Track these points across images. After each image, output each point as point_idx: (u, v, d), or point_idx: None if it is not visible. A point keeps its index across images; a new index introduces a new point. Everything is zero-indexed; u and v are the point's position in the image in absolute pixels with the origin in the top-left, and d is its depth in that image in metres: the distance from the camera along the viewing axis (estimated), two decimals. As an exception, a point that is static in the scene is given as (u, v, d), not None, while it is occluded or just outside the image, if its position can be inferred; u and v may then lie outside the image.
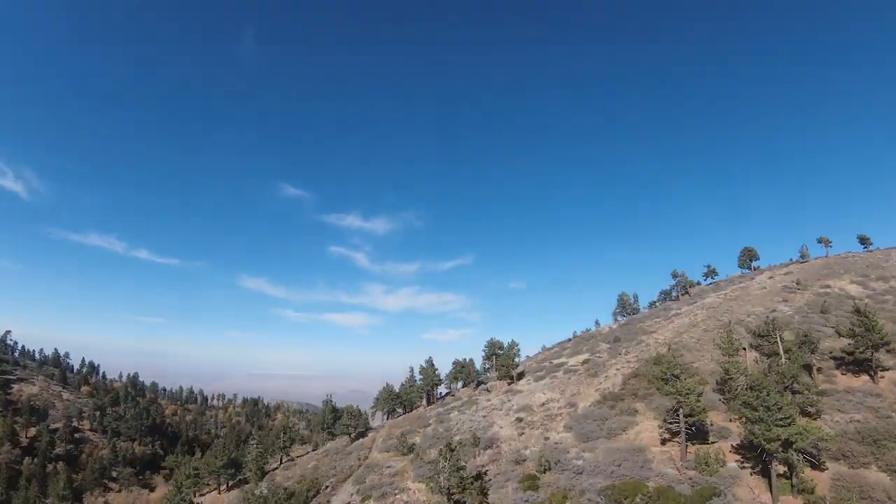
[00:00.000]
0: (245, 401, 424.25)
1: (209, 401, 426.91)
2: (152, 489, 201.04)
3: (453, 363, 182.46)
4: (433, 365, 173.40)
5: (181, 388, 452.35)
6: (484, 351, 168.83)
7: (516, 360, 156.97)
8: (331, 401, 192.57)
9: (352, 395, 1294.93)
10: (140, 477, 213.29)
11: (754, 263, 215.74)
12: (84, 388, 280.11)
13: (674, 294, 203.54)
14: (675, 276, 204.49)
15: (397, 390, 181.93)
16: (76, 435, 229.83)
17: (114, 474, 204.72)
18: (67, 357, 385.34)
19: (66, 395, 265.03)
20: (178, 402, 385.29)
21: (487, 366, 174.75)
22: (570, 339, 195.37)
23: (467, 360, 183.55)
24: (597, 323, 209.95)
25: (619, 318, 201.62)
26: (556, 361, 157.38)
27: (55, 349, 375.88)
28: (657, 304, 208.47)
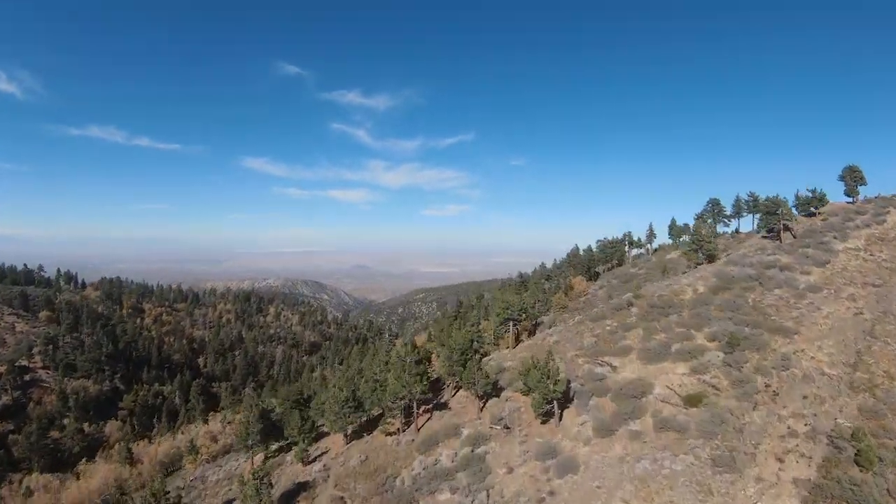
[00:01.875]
0: (236, 296, 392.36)
1: (200, 297, 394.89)
2: (100, 445, 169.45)
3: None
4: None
5: (170, 286, 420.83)
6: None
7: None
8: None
9: (356, 271, 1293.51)
10: (93, 424, 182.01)
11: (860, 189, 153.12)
12: (43, 314, 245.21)
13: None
14: (753, 200, 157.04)
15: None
16: (26, 377, 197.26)
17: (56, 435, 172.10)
18: (41, 270, 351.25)
19: (20, 327, 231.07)
20: (165, 303, 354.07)
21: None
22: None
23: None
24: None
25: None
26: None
27: (24, 264, 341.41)
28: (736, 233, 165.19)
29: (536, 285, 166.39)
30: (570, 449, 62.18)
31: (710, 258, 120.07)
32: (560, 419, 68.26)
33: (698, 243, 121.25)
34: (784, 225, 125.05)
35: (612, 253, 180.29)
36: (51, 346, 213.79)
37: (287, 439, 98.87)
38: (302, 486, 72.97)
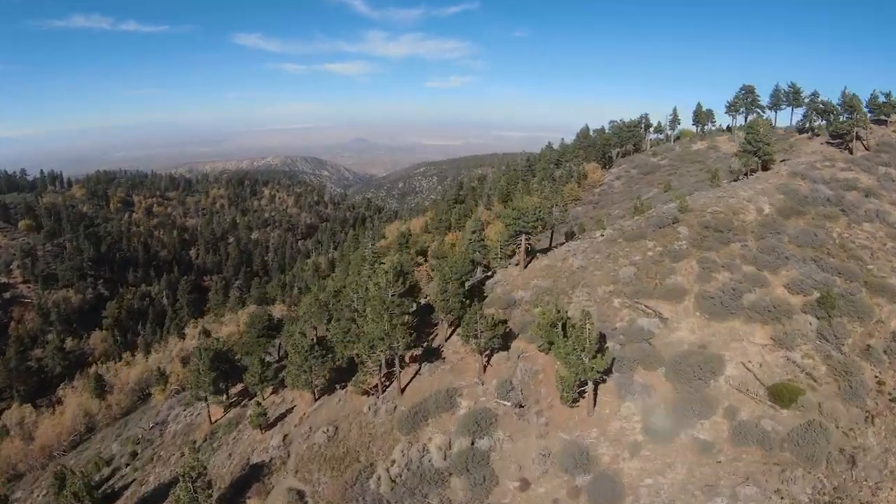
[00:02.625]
0: (229, 181, 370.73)
1: (193, 183, 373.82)
2: (84, 362, 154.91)
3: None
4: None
5: (161, 174, 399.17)
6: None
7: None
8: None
9: (356, 145, 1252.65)
10: (77, 339, 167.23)
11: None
12: (23, 224, 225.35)
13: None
14: (794, 92, 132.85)
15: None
16: (6, 294, 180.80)
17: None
18: (24, 174, 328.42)
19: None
20: (157, 194, 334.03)
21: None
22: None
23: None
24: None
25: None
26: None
27: (4, 171, 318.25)
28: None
29: (545, 171, 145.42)
30: (611, 460, 42.55)
31: (765, 164, 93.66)
32: (595, 404, 47.89)
33: (755, 144, 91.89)
34: (857, 133, 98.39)
35: (627, 136, 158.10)
36: (29, 258, 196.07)
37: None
38: (255, 472, 55.46)
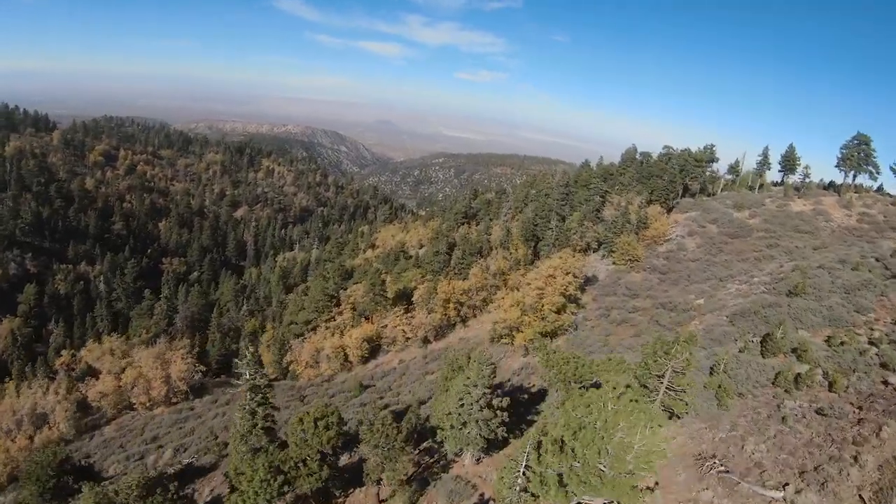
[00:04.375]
0: (227, 147, 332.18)
1: (191, 143, 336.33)
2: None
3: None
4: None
5: (172, 129, 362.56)
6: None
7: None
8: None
9: (380, 126, 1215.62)
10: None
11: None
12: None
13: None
14: None
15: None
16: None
17: None
18: (16, 110, 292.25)
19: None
20: (149, 150, 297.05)
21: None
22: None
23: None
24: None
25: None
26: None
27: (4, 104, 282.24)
28: None
29: (588, 206, 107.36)
30: None
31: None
32: None
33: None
34: None
35: (693, 172, 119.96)
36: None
37: None
38: None
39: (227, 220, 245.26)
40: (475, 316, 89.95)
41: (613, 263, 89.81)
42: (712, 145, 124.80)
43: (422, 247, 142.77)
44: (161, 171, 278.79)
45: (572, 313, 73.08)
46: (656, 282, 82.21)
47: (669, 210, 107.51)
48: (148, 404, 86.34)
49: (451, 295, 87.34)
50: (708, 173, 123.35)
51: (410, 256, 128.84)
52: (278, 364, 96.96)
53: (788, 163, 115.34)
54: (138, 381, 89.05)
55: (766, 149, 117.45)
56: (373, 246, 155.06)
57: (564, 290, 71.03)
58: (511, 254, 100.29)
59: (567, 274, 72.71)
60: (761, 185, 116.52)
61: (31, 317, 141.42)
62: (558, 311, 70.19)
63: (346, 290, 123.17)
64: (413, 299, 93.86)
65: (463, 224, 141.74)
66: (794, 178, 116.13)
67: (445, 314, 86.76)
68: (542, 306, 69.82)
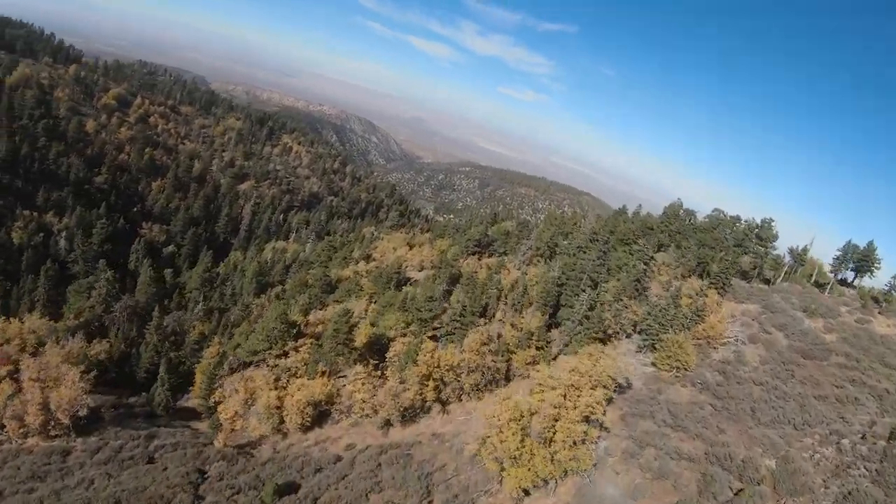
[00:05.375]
0: (249, 115, 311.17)
1: (215, 104, 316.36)
2: None
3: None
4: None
5: (185, 82, 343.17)
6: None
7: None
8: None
9: (414, 123, 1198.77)
10: None
11: None
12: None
13: None
14: None
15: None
16: None
17: None
18: (41, 34, 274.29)
19: None
20: (168, 103, 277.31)
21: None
22: None
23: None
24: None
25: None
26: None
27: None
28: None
29: (630, 274, 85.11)
30: None
31: None
32: None
33: None
34: None
35: (750, 247, 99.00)
36: None
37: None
38: None
39: (228, 191, 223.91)
40: (460, 400, 67.68)
41: (654, 365, 67.55)
42: (771, 220, 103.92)
43: (422, 269, 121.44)
44: (175, 128, 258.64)
45: (593, 441, 51.27)
46: (709, 409, 59.93)
47: (719, 290, 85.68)
48: (20, 431, 65.27)
49: (434, 369, 65.35)
50: (769, 255, 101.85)
51: (405, 282, 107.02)
52: (204, 401, 75.51)
53: (865, 263, 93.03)
54: (16, 396, 67.96)
55: (850, 245, 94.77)
56: (369, 256, 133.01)
57: (590, 411, 49.09)
58: (522, 322, 78.03)
59: (597, 387, 50.73)
60: (831, 286, 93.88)
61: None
62: (575, 443, 48.26)
63: (322, 307, 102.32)
64: (387, 355, 72.14)
65: (474, 254, 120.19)
66: (869, 282, 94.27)
67: (421, 393, 64.81)
68: (554, 434, 47.98)
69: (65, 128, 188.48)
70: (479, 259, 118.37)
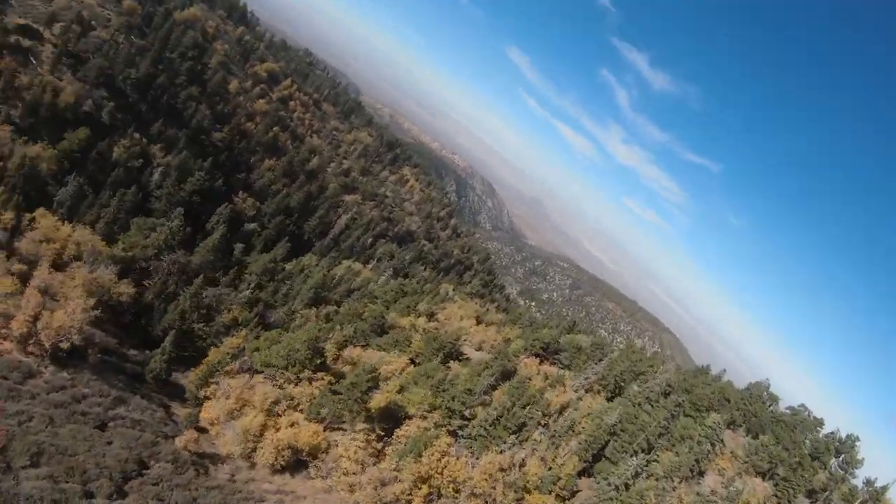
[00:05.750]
0: (381, 136, 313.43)
1: (352, 117, 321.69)
2: None
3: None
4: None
5: (338, 84, 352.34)
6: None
7: None
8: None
9: (531, 202, 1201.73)
10: None
11: None
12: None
13: None
14: None
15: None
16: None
17: None
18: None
19: None
20: (313, 96, 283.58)
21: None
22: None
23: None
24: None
25: None
26: None
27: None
28: None
29: (693, 446, 73.08)
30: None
31: None
32: None
33: None
34: None
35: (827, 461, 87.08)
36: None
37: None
38: None
39: (332, 196, 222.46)
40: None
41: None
42: (857, 438, 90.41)
43: (480, 349, 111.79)
44: (309, 120, 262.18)
45: None
46: None
47: None
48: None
49: (436, 475, 55.18)
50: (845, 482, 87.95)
51: (456, 356, 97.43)
52: (196, 389, 67.91)
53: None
54: (14, 297, 62.92)
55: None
56: (433, 315, 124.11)
57: None
58: (555, 459, 66.74)
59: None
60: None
61: (65, 157, 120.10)
62: None
63: (363, 346, 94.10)
64: (396, 431, 62.50)
65: (538, 356, 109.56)
66: None
67: (410, 495, 54.59)
68: None
69: (209, 77, 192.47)
70: (541, 363, 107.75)
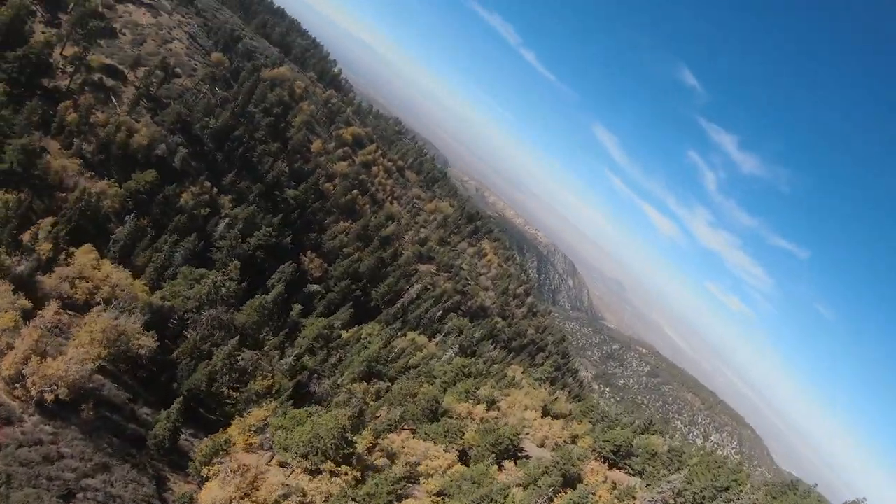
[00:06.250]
0: (462, 208, 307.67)
1: (434, 186, 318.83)
2: None
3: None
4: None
5: (424, 153, 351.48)
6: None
7: None
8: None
9: (611, 283, 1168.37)
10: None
11: None
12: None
13: None
14: None
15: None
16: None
17: None
18: (330, 59, 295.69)
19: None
20: (397, 162, 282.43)
21: None
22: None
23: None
24: None
25: None
26: None
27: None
28: None
29: None
30: None
31: None
32: None
33: None
34: None
35: None
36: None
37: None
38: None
39: (405, 265, 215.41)
40: None
41: None
42: None
43: (542, 445, 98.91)
44: (391, 186, 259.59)
45: None
46: None
47: None
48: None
49: None
50: None
51: (514, 455, 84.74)
52: (197, 469, 58.53)
53: None
54: (11, 332, 56.42)
55: None
56: (493, 402, 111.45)
57: None
58: None
59: None
60: None
61: (130, 197, 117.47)
62: None
63: (410, 432, 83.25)
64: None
65: (606, 460, 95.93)
66: None
67: None
68: None
69: (291, 135, 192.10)
70: (610, 469, 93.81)
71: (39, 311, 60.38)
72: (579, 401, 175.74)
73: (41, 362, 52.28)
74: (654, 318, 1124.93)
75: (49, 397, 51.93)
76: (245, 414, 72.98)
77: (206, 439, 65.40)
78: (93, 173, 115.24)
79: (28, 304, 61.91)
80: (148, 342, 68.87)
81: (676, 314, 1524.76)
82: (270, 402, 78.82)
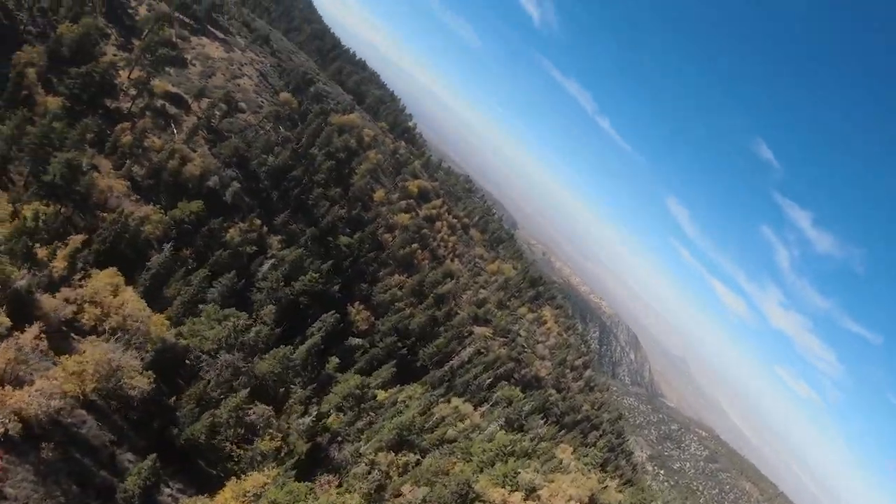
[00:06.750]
0: (525, 272, 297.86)
1: (499, 247, 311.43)
2: None
3: None
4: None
5: (493, 213, 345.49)
6: None
7: None
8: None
9: (676, 359, 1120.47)
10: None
11: None
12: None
13: None
14: None
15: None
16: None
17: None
18: (405, 113, 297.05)
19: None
20: (462, 219, 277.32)
21: None
22: None
23: None
24: None
25: None
26: None
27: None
28: None
29: None
30: None
31: None
32: None
33: None
34: None
35: None
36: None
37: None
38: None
39: (459, 325, 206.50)
40: None
41: None
42: None
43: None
44: (453, 243, 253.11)
45: None
46: None
47: None
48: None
49: None
50: None
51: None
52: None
53: None
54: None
55: None
56: (534, 490, 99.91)
57: None
58: None
59: None
60: None
61: (174, 226, 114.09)
62: None
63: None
64: None
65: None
66: None
67: None
68: None
69: (353, 182, 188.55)
70: None
71: (17, 332, 54.45)
72: (631, 485, 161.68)
73: (2, 389, 46.00)
74: (716, 398, 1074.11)
75: (9, 429, 45.52)
76: (244, 476, 64.94)
77: (188, 500, 57.46)
78: (139, 197, 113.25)
79: (6, 321, 55.72)
80: (142, 382, 62.11)
81: (741, 396, 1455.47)
82: (274, 467, 70.50)
